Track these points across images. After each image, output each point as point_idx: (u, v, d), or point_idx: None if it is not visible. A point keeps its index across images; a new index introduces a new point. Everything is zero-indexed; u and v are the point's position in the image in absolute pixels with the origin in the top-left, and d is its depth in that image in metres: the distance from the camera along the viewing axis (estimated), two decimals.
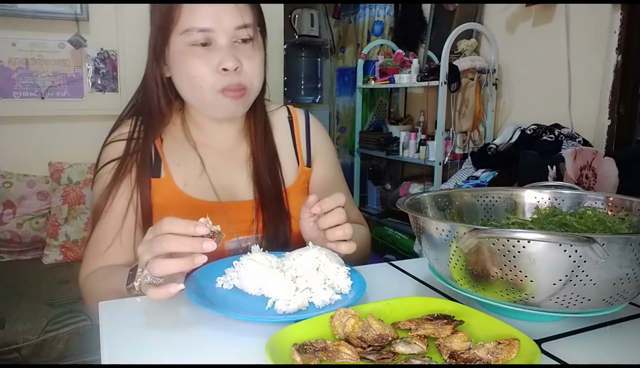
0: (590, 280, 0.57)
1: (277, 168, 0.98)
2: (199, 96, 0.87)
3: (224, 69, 0.83)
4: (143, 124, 0.92)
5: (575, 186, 0.85)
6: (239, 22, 0.84)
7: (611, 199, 0.80)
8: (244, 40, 0.86)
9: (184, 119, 0.97)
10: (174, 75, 0.89)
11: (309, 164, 1.03)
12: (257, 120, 0.98)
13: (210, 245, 0.63)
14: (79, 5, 2.34)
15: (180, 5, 0.83)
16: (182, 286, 0.63)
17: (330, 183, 1.05)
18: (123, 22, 2.44)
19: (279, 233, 0.94)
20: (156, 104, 0.91)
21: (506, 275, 0.59)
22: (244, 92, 0.87)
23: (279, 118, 1.04)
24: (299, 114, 1.07)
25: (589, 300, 0.59)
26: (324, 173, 1.05)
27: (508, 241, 0.58)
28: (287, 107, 1.07)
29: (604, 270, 0.56)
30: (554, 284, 0.57)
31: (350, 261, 0.79)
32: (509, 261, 0.58)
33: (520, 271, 0.58)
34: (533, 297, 0.59)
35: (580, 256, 0.55)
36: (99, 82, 2.47)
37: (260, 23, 0.90)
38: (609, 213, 0.78)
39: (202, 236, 0.63)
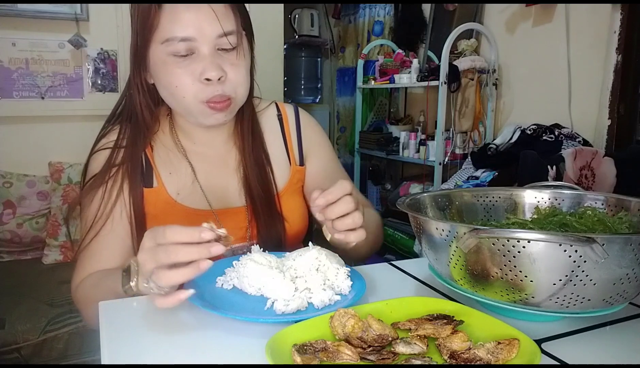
0: (590, 280, 0.57)
1: (268, 173, 0.97)
2: (183, 105, 0.85)
3: (207, 79, 0.81)
4: (131, 132, 0.90)
5: (575, 186, 0.85)
6: (222, 29, 0.81)
7: (611, 199, 0.80)
8: (228, 48, 0.83)
9: (172, 126, 0.95)
10: (157, 83, 0.86)
11: (301, 163, 1.02)
12: (245, 126, 0.96)
13: (219, 249, 0.61)
14: (79, 5, 2.34)
15: (159, 12, 0.79)
16: (191, 291, 0.62)
17: (328, 174, 1.03)
18: (123, 22, 2.44)
19: (272, 238, 0.93)
20: (140, 111, 0.89)
21: (506, 275, 0.59)
22: (229, 102, 0.85)
23: (268, 118, 1.02)
24: (288, 111, 1.04)
25: (589, 300, 0.59)
26: (320, 165, 1.03)
27: (508, 241, 0.58)
28: (276, 104, 1.05)
29: (604, 270, 0.56)
30: (554, 284, 0.57)
31: (364, 246, 0.75)
32: (509, 261, 0.58)
33: (520, 271, 0.58)
34: (533, 297, 0.59)
35: (580, 256, 0.55)
36: (99, 82, 2.47)
37: (245, 26, 0.86)
38: (609, 213, 0.78)
39: (208, 241, 0.62)
